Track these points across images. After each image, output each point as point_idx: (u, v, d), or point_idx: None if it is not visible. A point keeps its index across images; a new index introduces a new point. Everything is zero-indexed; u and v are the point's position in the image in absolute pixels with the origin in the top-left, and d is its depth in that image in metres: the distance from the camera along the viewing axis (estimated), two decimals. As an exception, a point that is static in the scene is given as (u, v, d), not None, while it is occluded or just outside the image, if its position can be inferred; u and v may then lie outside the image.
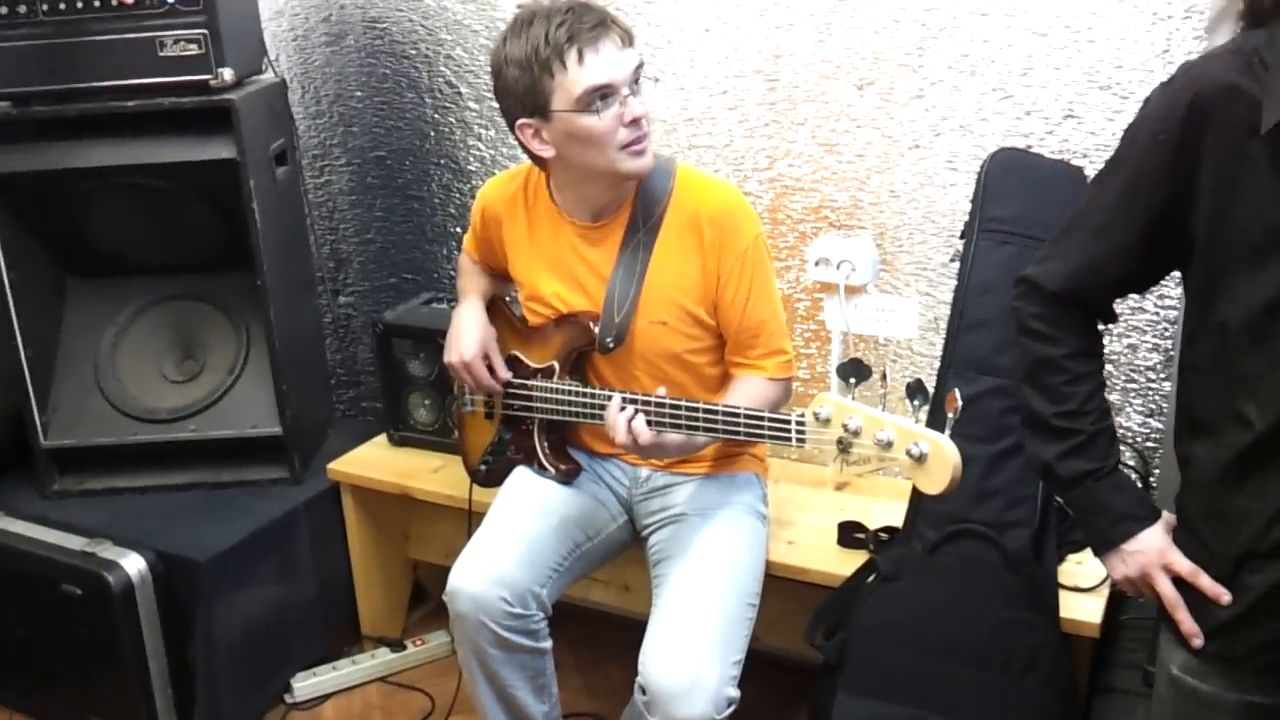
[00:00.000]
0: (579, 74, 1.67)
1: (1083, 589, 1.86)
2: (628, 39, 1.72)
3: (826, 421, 1.47)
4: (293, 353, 2.51)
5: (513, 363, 2.00)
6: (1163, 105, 1.20)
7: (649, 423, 1.68)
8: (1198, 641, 1.26)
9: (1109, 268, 1.30)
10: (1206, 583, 1.24)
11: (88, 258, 2.51)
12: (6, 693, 2.47)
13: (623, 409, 1.70)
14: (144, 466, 2.50)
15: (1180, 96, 1.18)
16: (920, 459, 1.38)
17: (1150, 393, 2.14)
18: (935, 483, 1.38)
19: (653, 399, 1.69)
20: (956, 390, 1.43)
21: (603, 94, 1.68)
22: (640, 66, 1.73)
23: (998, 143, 2.10)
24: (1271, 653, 1.21)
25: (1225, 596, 1.23)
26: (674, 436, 1.71)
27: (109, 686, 2.29)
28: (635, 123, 1.72)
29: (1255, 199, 1.14)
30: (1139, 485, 1.59)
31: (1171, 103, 1.19)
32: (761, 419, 1.61)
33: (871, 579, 1.90)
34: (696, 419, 1.66)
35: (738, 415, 1.63)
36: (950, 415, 1.40)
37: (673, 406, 1.68)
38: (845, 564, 1.99)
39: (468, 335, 1.98)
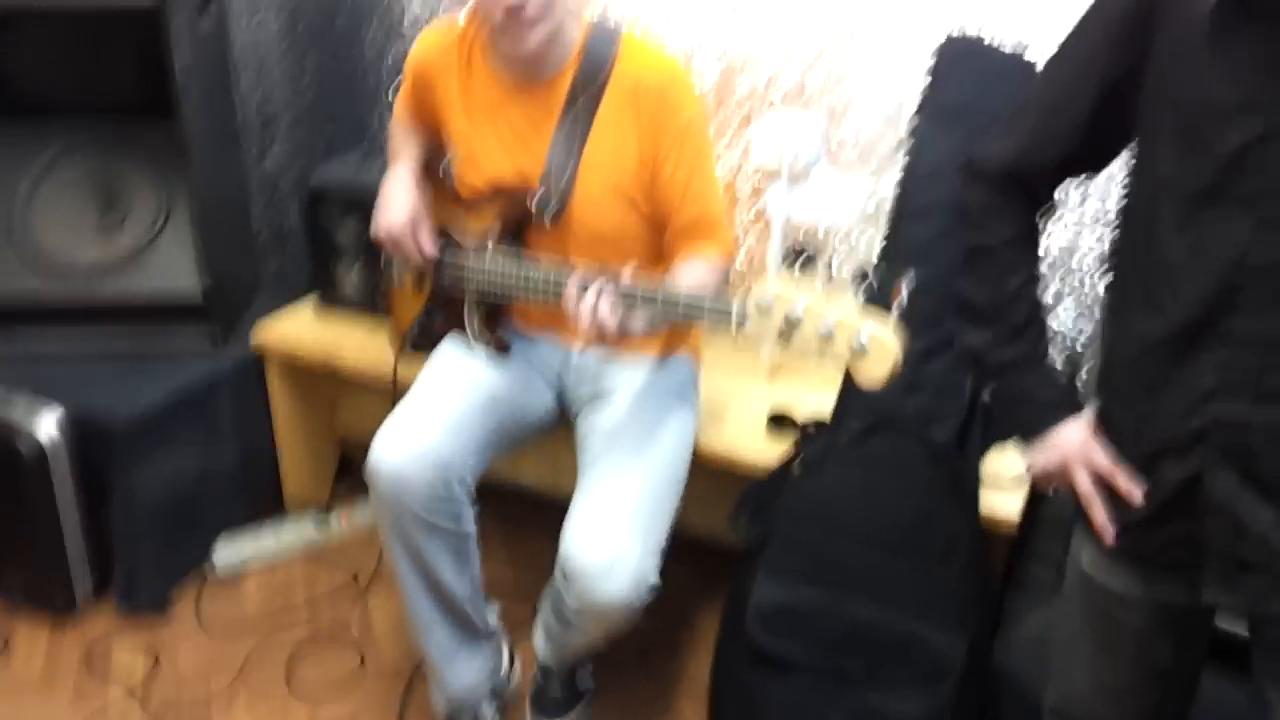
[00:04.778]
0: None
1: (1004, 483, 1.89)
2: None
3: (768, 310, 1.44)
4: (217, 211, 2.41)
5: (445, 235, 1.93)
6: None
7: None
8: (1110, 537, 1.27)
9: (1056, 146, 1.29)
10: (1123, 480, 1.24)
11: (2, 97, 2.36)
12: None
13: (581, 297, 1.58)
14: (60, 324, 2.39)
15: None
16: (861, 351, 1.36)
17: (1085, 294, 2.13)
18: (874, 375, 1.36)
19: (594, 279, 1.60)
20: (904, 281, 1.41)
21: None
22: None
23: (951, 30, 2.03)
24: (1179, 550, 1.22)
25: (1138, 495, 1.24)
26: (640, 322, 1.59)
27: (24, 553, 2.24)
28: (509, 12, 1.63)
29: (1192, 79, 1.12)
30: (1065, 378, 1.59)
31: None
32: (702, 304, 1.54)
33: (796, 465, 1.91)
34: (634, 299, 1.57)
35: (678, 300, 1.56)
36: (895, 304, 1.38)
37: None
38: (774, 452, 1.99)
39: (396, 205, 1.90)
